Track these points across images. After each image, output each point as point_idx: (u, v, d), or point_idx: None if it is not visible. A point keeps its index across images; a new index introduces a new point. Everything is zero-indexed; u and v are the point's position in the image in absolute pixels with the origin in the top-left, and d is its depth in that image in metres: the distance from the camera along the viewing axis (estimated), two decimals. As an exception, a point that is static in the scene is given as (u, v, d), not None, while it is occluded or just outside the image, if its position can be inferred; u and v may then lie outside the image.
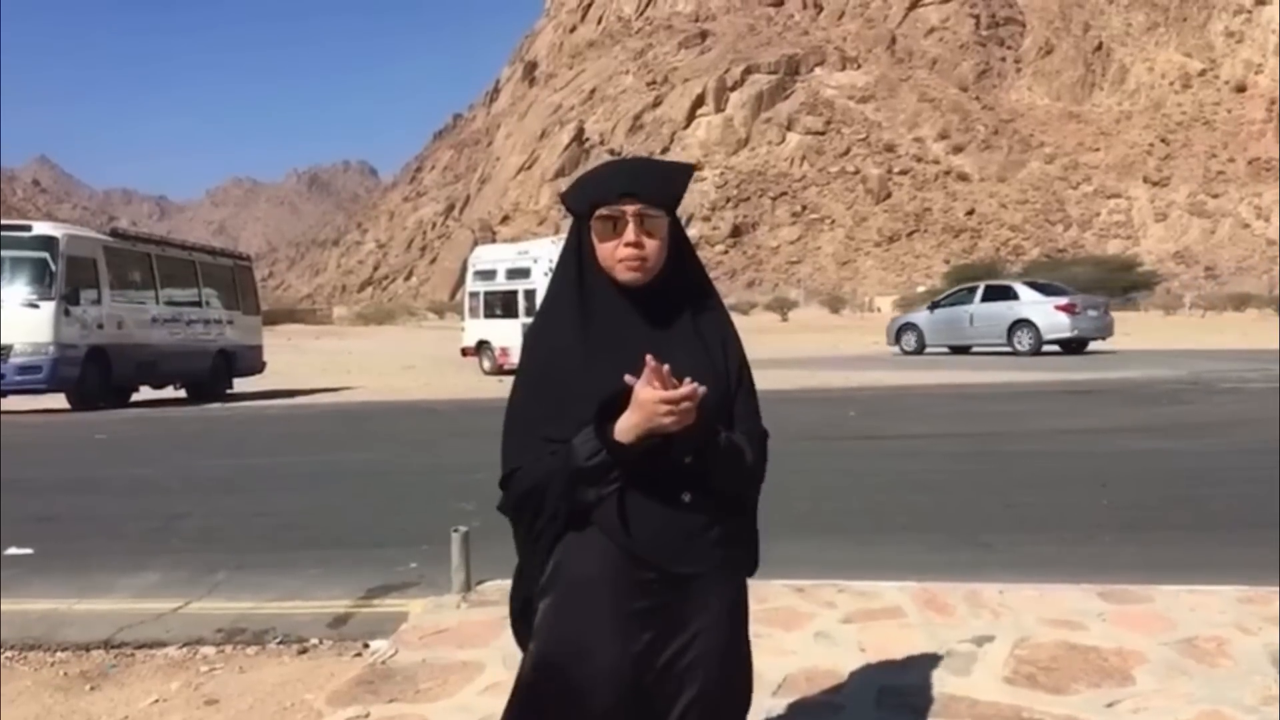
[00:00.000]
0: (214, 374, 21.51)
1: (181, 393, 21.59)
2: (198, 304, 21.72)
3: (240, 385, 22.60)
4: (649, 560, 2.06)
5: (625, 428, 1.96)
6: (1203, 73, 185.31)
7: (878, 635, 4.22)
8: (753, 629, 2.30)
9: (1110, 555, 6.16)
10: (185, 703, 4.22)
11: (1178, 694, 3.62)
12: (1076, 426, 12.84)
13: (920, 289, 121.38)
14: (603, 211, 2.07)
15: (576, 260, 2.14)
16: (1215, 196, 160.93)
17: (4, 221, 19.11)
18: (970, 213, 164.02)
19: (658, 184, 2.11)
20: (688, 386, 1.93)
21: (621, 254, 2.06)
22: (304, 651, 4.79)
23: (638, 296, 2.11)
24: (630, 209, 2.05)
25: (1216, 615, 4.36)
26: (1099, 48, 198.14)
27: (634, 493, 2.04)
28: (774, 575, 5.02)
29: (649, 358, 1.94)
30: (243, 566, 6.35)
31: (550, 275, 2.41)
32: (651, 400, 1.92)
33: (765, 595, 4.40)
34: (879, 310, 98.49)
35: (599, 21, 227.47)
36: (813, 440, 11.48)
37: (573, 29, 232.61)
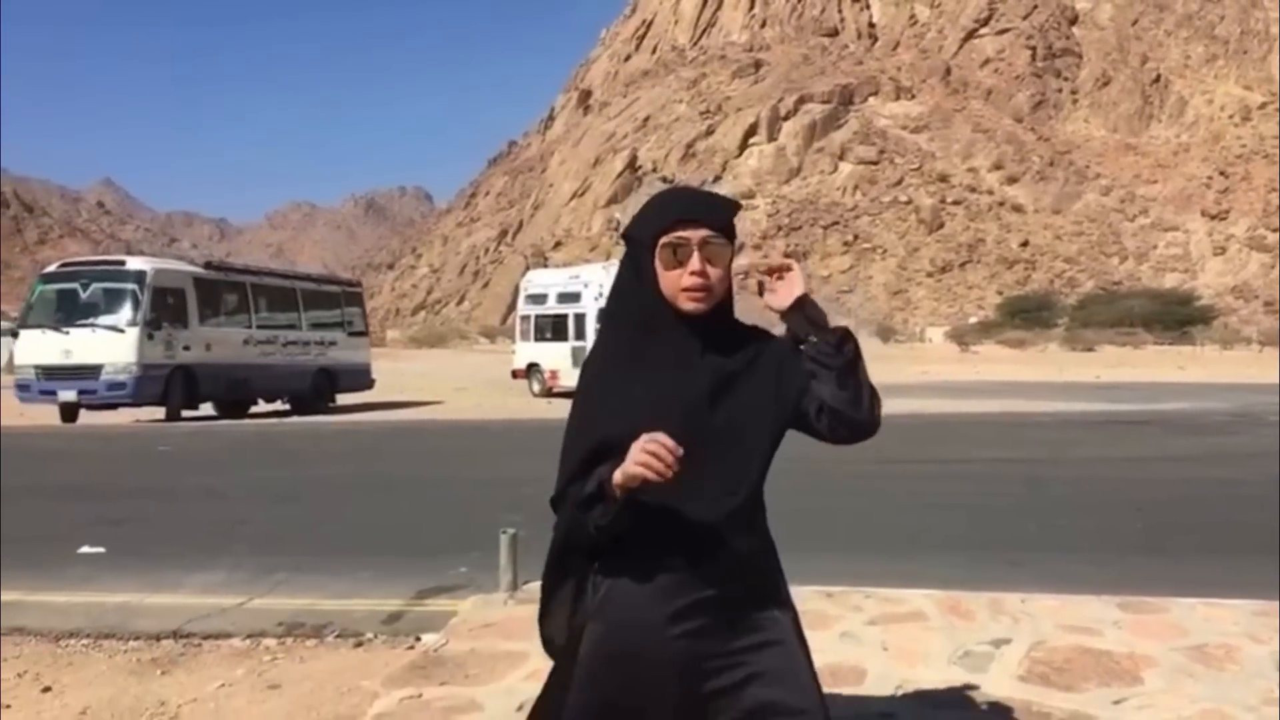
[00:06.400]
0: (315, 390, 23.36)
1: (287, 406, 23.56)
2: (296, 327, 23.38)
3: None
4: (696, 586, 2.06)
5: (617, 472, 1.96)
6: (1263, 105, 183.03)
7: (900, 636, 4.44)
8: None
9: (1137, 573, 6.28)
10: (250, 687, 4.51)
11: (1182, 694, 3.81)
12: (1120, 455, 12.92)
13: (973, 320, 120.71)
14: (667, 240, 2.05)
15: (634, 290, 2.12)
16: (1275, 230, 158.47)
17: (104, 257, 22.43)
18: (1024, 244, 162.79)
19: (719, 211, 2.11)
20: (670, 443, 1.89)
21: (686, 283, 2.04)
22: (359, 644, 5.09)
23: (697, 326, 2.08)
24: (696, 237, 2.04)
25: (1230, 626, 4.53)
26: (1157, 79, 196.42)
27: (675, 524, 2.03)
28: (806, 583, 5.27)
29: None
30: (301, 568, 6.67)
31: (600, 302, 2.33)
32: (637, 446, 1.90)
33: (795, 599, 4.63)
34: (930, 341, 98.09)
35: (653, 51, 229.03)
36: (855, 464, 11.64)
37: (627, 58, 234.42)
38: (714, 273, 2.06)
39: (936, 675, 4.03)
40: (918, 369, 41.07)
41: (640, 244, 2.11)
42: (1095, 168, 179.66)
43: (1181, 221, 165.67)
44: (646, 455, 1.88)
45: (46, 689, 4.52)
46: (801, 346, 2.13)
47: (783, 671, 2.11)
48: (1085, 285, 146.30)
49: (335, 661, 4.83)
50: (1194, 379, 32.85)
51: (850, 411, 2.11)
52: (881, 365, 47.64)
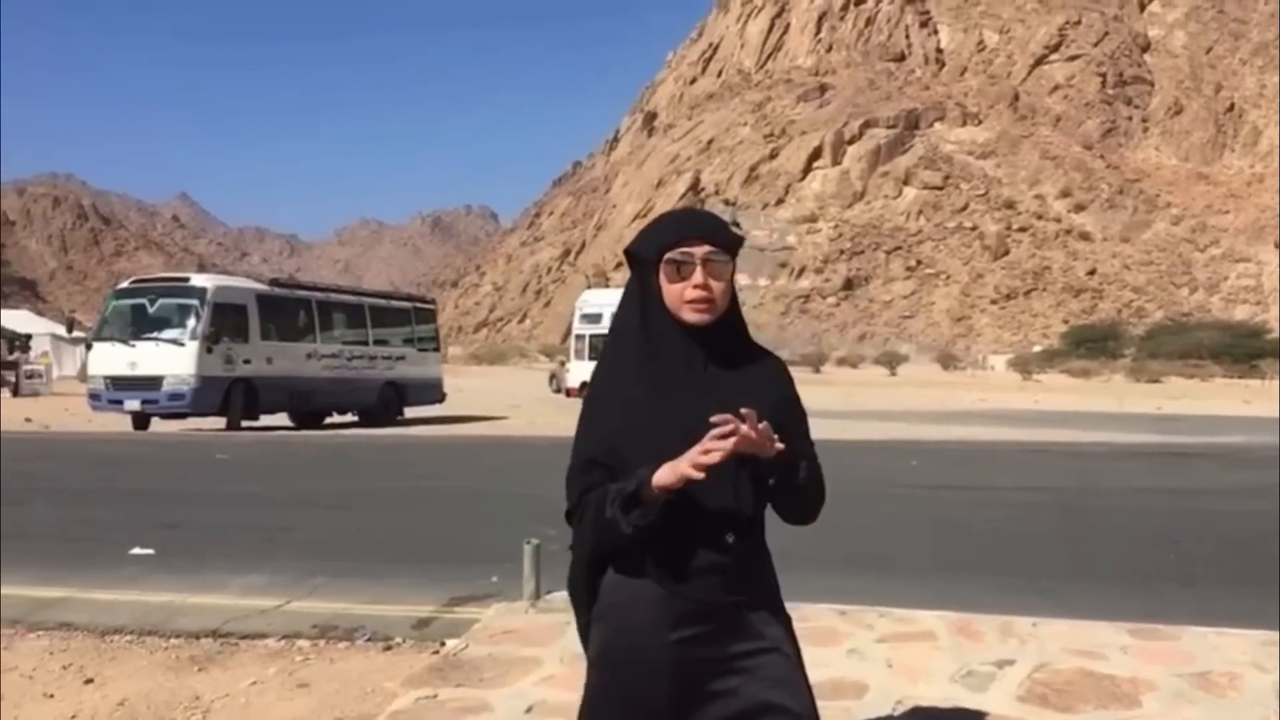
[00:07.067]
0: (382, 403, 24.13)
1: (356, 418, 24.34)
2: (363, 342, 24.07)
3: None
4: (695, 597, 2.14)
5: (661, 472, 2.05)
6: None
7: (907, 654, 4.53)
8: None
9: (1164, 603, 6.28)
10: (280, 685, 4.71)
11: (1179, 718, 3.87)
12: (1165, 486, 12.80)
13: (1037, 348, 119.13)
14: (672, 256, 2.15)
15: (640, 304, 2.22)
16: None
17: (172, 274, 23.67)
18: (1091, 272, 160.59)
19: (722, 230, 2.22)
20: (728, 426, 2.00)
21: (690, 295, 2.14)
22: (389, 648, 5.28)
23: (700, 337, 2.18)
24: (700, 252, 2.14)
25: (1237, 655, 4.56)
26: (1231, 108, 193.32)
27: (678, 535, 2.13)
28: (827, 600, 5.38)
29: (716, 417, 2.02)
30: (340, 574, 6.90)
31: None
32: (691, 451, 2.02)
33: (808, 615, 4.75)
34: (992, 368, 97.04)
35: (719, 74, 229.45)
36: (894, 486, 11.70)
37: (693, 81, 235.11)
38: (716, 286, 2.16)
39: (936, 693, 4.12)
40: (975, 396, 40.73)
41: (645, 260, 2.21)
42: (1166, 197, 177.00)
43: (1254, 253, 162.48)
44: (705, 459, 1.99)
45: (89, 681, 4.76)
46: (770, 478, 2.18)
47: (779, 677, 2.18)
48: (1153, 315, 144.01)
49: (363, 663, 5.02)
50: (1257, 412, 32.17)
51: (791, 520, 2.26)
52: (938, 392, 47.51)
